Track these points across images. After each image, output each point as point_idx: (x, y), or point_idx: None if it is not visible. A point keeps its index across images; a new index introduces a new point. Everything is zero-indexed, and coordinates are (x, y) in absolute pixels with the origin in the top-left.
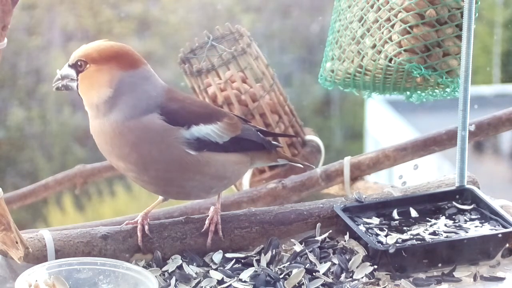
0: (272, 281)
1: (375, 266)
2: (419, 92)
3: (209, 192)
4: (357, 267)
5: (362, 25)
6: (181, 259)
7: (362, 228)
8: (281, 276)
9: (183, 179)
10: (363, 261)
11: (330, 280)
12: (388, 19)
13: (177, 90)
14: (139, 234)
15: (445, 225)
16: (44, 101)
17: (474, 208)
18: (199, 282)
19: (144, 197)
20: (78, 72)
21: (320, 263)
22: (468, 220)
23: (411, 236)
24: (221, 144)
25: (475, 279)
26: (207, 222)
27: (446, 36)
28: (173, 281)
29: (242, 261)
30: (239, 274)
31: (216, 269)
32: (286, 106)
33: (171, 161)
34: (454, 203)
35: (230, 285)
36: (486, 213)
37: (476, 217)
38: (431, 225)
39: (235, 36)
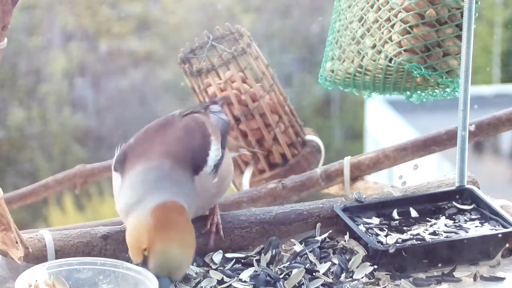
0: (272, 281)
1: (375, 266)
2: (419, 92)
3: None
4: (357, 267)
5: (362, 25)
6: None
7: (362, 228)
8: (281, 276)
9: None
10: (363, 261)
11: (330, 280)
12: (388, 19)
13: None
14: None
15: (445, 225)
16: (44, 101)
17: (474, 208)
18: (199, 282)
19: None
20: None
21: (320, 263)
22: (468, 220)
23: (411, 236)
24: (222, 155)
25: (475, 279)
26: (208, 223)
27: (446, 36)
28: None
29: (242, 261)
30: (239, 274)
31: (216, 269)
32: (286, 106)
33: (205, 199)
34: (454, 203)
35: (230, 285)
36: (486, 213)
37: (476, 217)
38: (431, 225)
39: (235, 36)
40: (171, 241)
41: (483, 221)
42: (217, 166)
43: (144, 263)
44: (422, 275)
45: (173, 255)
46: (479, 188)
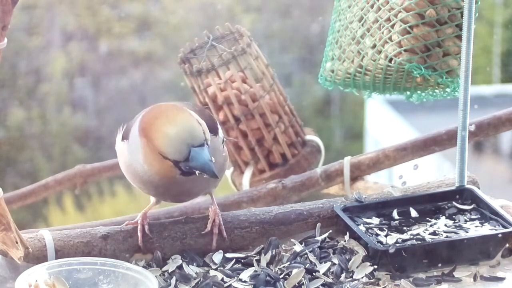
0: (272, 281)
1: (375, 266)
2: (419, 92)
3: (206, 190)
4: (357, 267)
5: (362, 25)
6: (181, 259)
7: (362, 228)
8: (281, 276)
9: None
10: (363, 261)
11: (330, 280)
12: (388, 19)
13: None
14: (139, 234)
15: (445, 225)
16: (44, 101)
17: (474, 208)
18: (199, 282)
19: (144, 197)
20: None
21: (320, 263)
22: (468, 220)
23: (411, 236)
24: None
25: (475, 279)
26: (209, 225)
27: (446, 36)
28: (173, 281)
29: (242, 261)
30: (239, 274)
31: (216, 269)
32: (286, 106)
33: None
34: (454, 203)
35: (230, 285)
36: (486, 213)
37: (476, 217)
38: (431, 225)
39: (235, 36)
40: (161, 120)
41: (483, 221)
42: (223, 141)
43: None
44: (422, 275)
45: (175, 125)
46: (479, 188)
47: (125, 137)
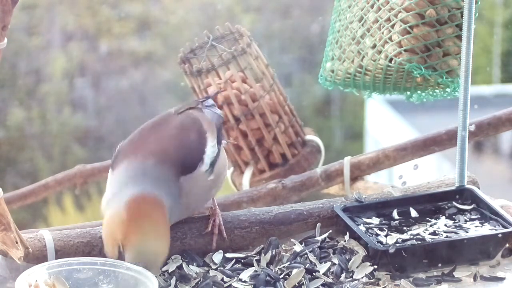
0: (272, 281)
1: (375, 266)
2: (419, 92)
3: (208, 200)
4: (357, 267)
5: (362, 25)
6: (181, 259)
7: (362, 228)
8: (281, 276)
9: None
10: (363, 261)
11: (330, 280)
12: (388, 19)
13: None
14: None
15: (445, 225)
16: (44, 101)
17: (474, 208)
18: (199, 282)
19: None
20: None
21: (320, 263)
22: (468, 220)
23: (411, 236)
24: (218, 150)
25: (475, 279)
26: (209, 225)
27: (446, 36)
28: (173, 281)
29: (242, 261)
30: (239, 274)
31: (216, 269)
32: (286, 106)
33: (200, 197)
34: (454, 203)
35: (230, 285)
36: (486, 213)
37: (476, 217)
38: (431, 225)
39: (235, 36)
40: (145, 234)
41: (483, 221)
42: (213, 164)
43: (119, 257)
44: (422, 275)
45: (148, 248)
46: (479, 188)
47: (112, 167)
